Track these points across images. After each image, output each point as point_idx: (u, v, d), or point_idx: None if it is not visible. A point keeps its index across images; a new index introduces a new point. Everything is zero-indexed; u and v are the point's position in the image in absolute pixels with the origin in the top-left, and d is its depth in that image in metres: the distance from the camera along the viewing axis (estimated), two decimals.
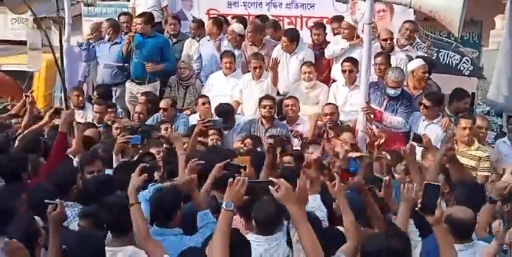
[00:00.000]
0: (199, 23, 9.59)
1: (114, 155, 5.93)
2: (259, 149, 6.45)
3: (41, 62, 8.16)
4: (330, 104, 7.79)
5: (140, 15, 9.29)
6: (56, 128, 6.78)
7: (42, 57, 8.55)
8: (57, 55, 7.64)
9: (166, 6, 10.09)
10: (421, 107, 7.39)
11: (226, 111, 7.82)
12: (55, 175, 5.05)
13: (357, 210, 4.30)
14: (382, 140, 6.01)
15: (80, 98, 8.74)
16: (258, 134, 7.54)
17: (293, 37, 8.58)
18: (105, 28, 9.48)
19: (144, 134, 6.91)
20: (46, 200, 4.19)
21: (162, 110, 8.12)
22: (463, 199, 4.73)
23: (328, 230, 4.39)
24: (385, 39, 8.33)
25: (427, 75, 7.87)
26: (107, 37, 9.36)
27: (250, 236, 4.00)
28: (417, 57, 8.22)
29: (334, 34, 8.93)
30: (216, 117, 7.50)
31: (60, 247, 3.98)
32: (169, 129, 7.38)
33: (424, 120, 7.45)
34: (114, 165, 5.84)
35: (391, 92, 7.50)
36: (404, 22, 8.59)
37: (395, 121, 7.50)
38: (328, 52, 8.57)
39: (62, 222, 4.16)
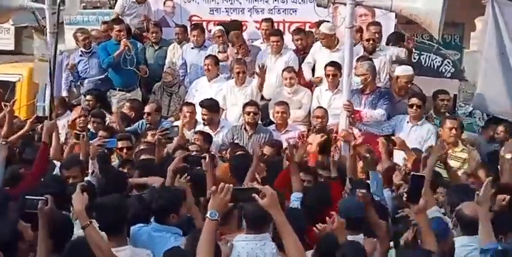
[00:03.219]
0: (185, 28, 9.65)
1: (90, 160, 5.90)
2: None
3: (47, 73, 8.16)
4: (320, 107, 7.80)
5: (119, 22, 9.28)
6: (23, 138, 6.86)
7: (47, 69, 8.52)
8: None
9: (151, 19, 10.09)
10: (413, 108, 7.36)
11: (211, 107, 7.84)
12: (42, 185, 5.02)
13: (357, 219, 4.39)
14: (359, 141, 6.02)
15: (59, 112, 8.65)
16: (242, 140, 7.55)
17: (281, 34, 8.78)
18: (81, 39, 9.45)
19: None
20: (27, 196, 4.19)
21: (146, 114, 8.13)
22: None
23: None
24: (368, 40, 8.35)
25: (409, 85, 7.87)
26: (82, 49, 9.36)
27: (239, 237, 4.01)
28: (405, 63, 8.20)
29: (316, 40, 9.01)
30: (175, 125, 7.51)
31: (48, 241, 4.01)
32: (156, 136, 7.39)
33: (408, 122, 7.45)
34: (90, 170, 5.82)
35: (356, 80, 7.49)
36: (370, 25, 8.62)
37: (376, 114, 7.51)
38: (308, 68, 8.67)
39: (52, 217, 4.15)
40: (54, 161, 6.15)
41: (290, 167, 5.40)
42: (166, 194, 4.62)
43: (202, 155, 5.50)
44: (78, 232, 4.17)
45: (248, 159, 5.76)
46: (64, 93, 9.49)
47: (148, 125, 8.08)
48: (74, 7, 8.33)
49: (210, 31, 9.63)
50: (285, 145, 7.06)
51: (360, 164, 6.01)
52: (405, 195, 3.88)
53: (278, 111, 7.84)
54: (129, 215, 4.51)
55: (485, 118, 8.40)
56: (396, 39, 8.84)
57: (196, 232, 4.12)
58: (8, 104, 7.40)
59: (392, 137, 6.61)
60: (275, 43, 8.66)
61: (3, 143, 5.75)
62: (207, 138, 7.32)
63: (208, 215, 3.46)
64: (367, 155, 5.59)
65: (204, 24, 9.91)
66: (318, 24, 8.98)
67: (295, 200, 5.04)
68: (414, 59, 9.40)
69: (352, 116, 7.09)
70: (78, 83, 9.54)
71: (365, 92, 7.70)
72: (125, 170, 6.02)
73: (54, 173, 5.81)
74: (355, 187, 5.14)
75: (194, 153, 6.50)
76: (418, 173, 4.04)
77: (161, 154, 6.35)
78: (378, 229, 4.47)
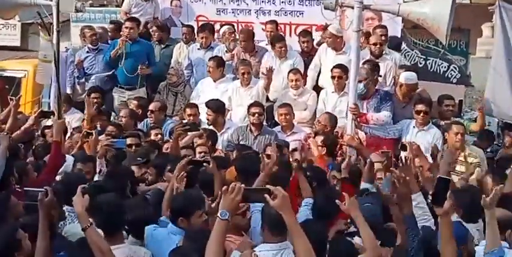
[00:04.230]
0: (192, 28, 9.67)
1: (97, 159, 5.92)
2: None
3: (50, 74, 8.22)
4: (327, 113, 7.73)
5: (132, 19, 9.30)
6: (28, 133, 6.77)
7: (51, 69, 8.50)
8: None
9: (157, 18, 10.13)
10: (420, 114, 7.33)
11: (216, 108, 7.83)
12: (62, 182, 5.02)
13: (375, 225, 4.24)
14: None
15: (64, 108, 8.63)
16: (247, 141, 7.55)
17: (284, 39, 8.75)
18: (88, 35, 9.46)
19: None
20: (26, 188, 4.19)
21: (150, 112, 8.15)
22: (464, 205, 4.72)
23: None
24: (375, 44, 8.36)
25: (412, 94, 7.83)
26: (90, 46, 9.38)
27: (263, 247, 3.91)
28: (408, 69, 8.19)
29: (319, 43, 9.00)
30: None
31: (48, 233, 4.01)
32: (160, 135, 7.41)
33: (414, 127, 7.43)
34: (97, 169, 5.83)
35: (360, 86, 7.51)
36: (376, 28, 8.63)
37: (382, 116, 7.49)
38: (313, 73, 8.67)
39: (52, 209, 4.15)
40: (67, 156, 6.15)
41: (298, 175, 5.36)
42: (181, 197, 4.60)
43: (206, 160, 5.41)
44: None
45: (256, 160, 5.73)
46: (68, 90, 9.49)
47: (152, 124, 8.10)
48: (70, 4, 8.31)
49: (218, 31, 9.63)
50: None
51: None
52: (430, 198, 3.84)
53: (281, 113, 7.84)
54: (133, 215, 4.50)
55: (491, 124, 8.41)
56: (396, 45, 8.83)
57: (193, 231, 4.16)
58: (13, 98, 7.40)
59: (405, 142, 6.54)
60: (280, 49, 8.65)
61: (5, 133, 5.75)
62: (211, 136, 7.29)
63: (219, 214, 3.42)
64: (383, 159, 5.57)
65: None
66: (325, 27, 9.00)
67: (305, 205, 5.00)
68: (420, 64, 9.42)
69: (358, 119, 7.10)
70: (83, 80, 9.54)
71: (366, 98, 7.68)
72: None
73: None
74: (366, 193, 5.15)
75: (202, 155, 6.57)
76: (444, 176, 4.00)
77: (178, 148, 6.40)
78: (398, 225, 4.38)
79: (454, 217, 4.65)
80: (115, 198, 4.41)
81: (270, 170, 5.22)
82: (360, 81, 7.44)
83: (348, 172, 5.73)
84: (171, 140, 6.83)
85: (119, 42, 9.01)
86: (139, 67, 9.02)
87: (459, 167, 6.71)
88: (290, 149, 7.01)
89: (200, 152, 6.72)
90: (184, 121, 7.74)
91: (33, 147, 6.82)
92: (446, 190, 3.80)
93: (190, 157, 5.23)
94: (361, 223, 4.01)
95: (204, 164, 5.28)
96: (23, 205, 4.46)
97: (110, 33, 9.82)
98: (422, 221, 4.43)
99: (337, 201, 4.06)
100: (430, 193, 3.85)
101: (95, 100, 8.63)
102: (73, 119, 8.61)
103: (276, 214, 3.65)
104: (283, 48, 8.62)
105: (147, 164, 6.15)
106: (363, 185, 5.54)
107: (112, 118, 8.89)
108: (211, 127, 7.79)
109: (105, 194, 4.44)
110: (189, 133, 6.92)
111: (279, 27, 9.43)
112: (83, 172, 5.63)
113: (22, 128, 6.82)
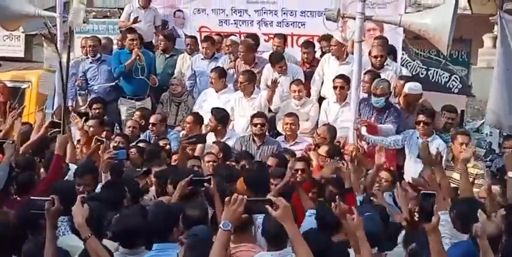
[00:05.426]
0: (196, 39, 9.72)
1: (102, 173, 5.92)
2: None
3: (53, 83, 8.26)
4: (325, 125, 7.73)
5: (132, 31, 9.34)
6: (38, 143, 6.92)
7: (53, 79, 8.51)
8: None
9: (159, 26, 10.19)
10: (420, 124, 7.30)
11: (220, 117, 7.87)
12: (55, 191, 5.03)
13: (374, 235, 4.18)
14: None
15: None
16: (250, 151, 7.55)
17: (284, 58, 8.69)
18: (87, 45, 9.49)
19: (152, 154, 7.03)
20: (32, 197, 4.23)
21: (151, 124, 8.19)
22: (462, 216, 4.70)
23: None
24: (376, 57, 8.39)
25: (417, 103, 7.84)
26: (91, 57, 9.41)
27: (264, 255, 3.96)
28: (410, 79, 8.20)
29: (322, 53, 9.03)
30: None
31: (56, 242, 4.05)
32: (168, 146, 7.48)
33: (418, 138, 7.39)
34: (102, 182, 5.82)
35: (374, 100, 7.52)
36: (375, 39, 8.65)
37: (388, 129, 7.48)
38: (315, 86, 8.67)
39: (58, 217, 4.17)
40: (70, 164, 6.18)
41: (297, 188, 5.39)
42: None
43: (207, 178, 5.32)
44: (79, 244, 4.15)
45: (264, 172, 5.75)
46: (69, 103, 9.51)
47: (153, 136, 8.14)
48: (78, 17, 8.36)
49: (221, 42, 9.65)
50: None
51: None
52: (416, 215, 3.78)
53: (287, 122, 7.84)
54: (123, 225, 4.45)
55: (493, 133, 8.43)
56: (389, 52, 8.88)
57: (195, 241, 4.14)
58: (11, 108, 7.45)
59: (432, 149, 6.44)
60: (280, 68, 8.61)
61: (10, 142, 5.78)
62: (224, 149, 7.26)
63: (221, 225, 3.45)
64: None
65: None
66: (325, 37, 9.03)
67: (309, 216, 5.02)
68: (422, 74, 9.44)
69: (366, 129, 7.12)
70: (86, 91, 9.57)
71: (381, 111, 7.66)
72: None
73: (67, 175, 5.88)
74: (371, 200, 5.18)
75: (210, 163, 6.62)
76: (427, 191, 3.93)
77: (184, 160, 6.43)
78: None
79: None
80: (97, 206, 4.39)
81: (281, 190, 5.25)
82: (377, 96, 7.46)
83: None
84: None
85: (136, 54, 9.00)
86: (151, 78, 9.07)
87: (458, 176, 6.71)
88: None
89: (208, 161, 6.76)
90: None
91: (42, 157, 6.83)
92: (432, 205, 3.73)
93: (191, 176, 5.22)
94: (362, 240, 3.92)
95: (205, 184, 5.21)
96: (17, 215, 4.48)
97: (118, 42, 9.85)
98: (443, 239, 4.37)
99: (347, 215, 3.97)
100: (416, 209, 3.77)
101: (97, 111, 8.67)
102: (76, 130, 8.64)
103: (274, 229, 3.71)
104: (283, 67, 8.60)
105: (148, 174, 6.16)
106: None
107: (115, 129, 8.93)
108: (212, 135, 7.82)
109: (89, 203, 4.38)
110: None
111: None
112: (81, 185, 5.57)
113: (32, 139, 6.89)
